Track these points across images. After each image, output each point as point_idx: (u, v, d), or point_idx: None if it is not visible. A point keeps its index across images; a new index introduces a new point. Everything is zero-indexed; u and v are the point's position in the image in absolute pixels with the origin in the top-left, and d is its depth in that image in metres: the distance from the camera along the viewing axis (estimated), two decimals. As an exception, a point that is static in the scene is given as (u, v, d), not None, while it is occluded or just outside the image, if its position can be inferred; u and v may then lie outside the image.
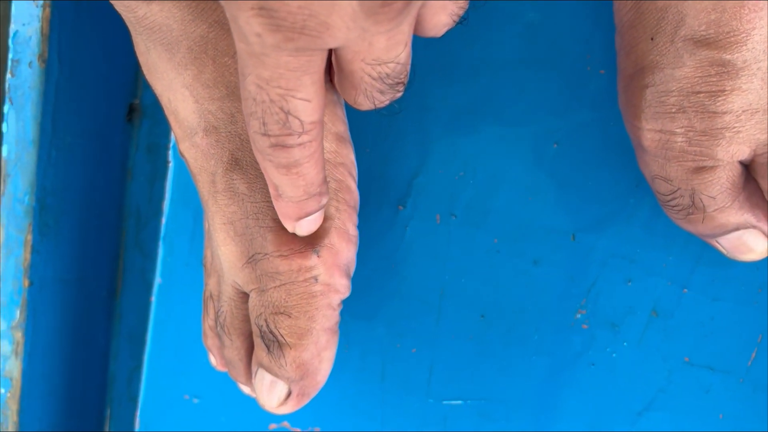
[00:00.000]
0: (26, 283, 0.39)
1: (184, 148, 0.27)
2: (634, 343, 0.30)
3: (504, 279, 0.32)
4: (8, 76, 0.37)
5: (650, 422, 0.31)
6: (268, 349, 0.27)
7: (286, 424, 0.35)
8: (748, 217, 0.26)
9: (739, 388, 0.30)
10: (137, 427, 0.37)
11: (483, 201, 0.31)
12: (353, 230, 0.28)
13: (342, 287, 0.27)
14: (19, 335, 0.40)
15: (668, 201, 0.27)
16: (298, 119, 0.21)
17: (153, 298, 0.36)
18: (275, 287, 0.26)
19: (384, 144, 0.32)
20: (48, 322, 0.41)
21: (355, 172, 0.28)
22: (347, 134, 0.28)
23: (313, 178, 0.23)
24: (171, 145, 0.34)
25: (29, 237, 0.38)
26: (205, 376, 0.36)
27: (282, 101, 0.21)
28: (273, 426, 0.35)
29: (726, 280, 0.29)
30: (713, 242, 0.28)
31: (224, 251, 0.27)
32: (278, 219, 0.26)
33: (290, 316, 0.26)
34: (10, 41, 0.36)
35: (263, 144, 0.22)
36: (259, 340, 0.27)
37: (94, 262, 0.44)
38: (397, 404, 0.34)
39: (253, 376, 0.28)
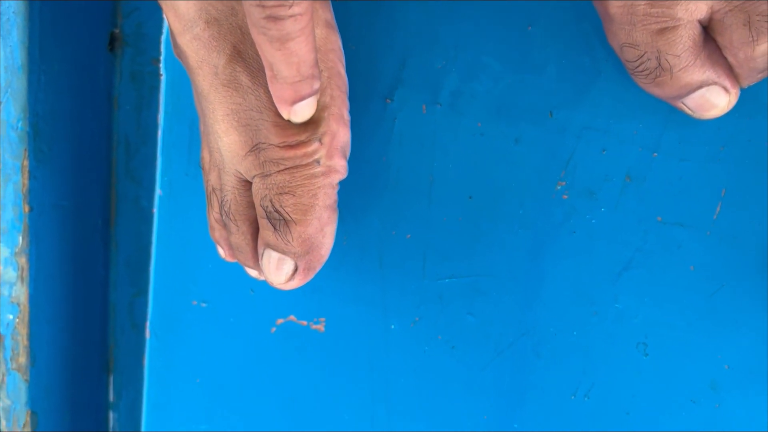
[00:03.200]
0: (26, 208, 0.40)
1: (185, 41, 0.28)
2: (611, 207, 0.33)
3: (488, 160, 0.34)
4: (-8, 3, 0.37)
5: (629, 281, 0.34)
6: (275, 228, 0.29)
7: (292, 318, 0.37)
8: (709, 74, 0.29)
9: (707, 240, 0.33)
10: (148, 335, 0.39)
11: (464, 88, 0.33)
12: (347, 114, 0.30)
13: (341, 167, 0.30)
14: (23, 261, 0.41)
15: (637, 67, 0.29)
16: None
17: (155, 210, 0.37)
18: (279, 171, 0.28)
19: (368, 41, 0.34)
20: (49, 249, 0.43)
21: (343, 58, 0.30)
22: (334, 22, 0.30)
23: (306, 56, 0.25)
24: (162, 57, 0.36)
25: (26, 162, 0.40)
26: (212, 281, 0.38)
27: None
28: (280, 321, 0.38)
29: (691, 141, 0.32)
30: (679, 104, 0.30)
31: (226, 141, 0.29)
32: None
33: (294, 195, 0.28)
34: (-9, -32, 0.37)
35: (258, 15, 0.23)
36: (264, 221, 0.29)
37: (88, 190, 0.45)
38: (396, 288, 0.36)
39: (261, 257, 0.30)
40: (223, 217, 0.31)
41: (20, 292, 0.42)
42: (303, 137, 0.28)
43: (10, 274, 0.41)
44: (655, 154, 0.32)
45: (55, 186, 0.42)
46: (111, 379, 0.50)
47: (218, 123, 0.29)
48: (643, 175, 0.33)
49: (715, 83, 0.29)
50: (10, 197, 0.40)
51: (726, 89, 0.29)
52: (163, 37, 0.36)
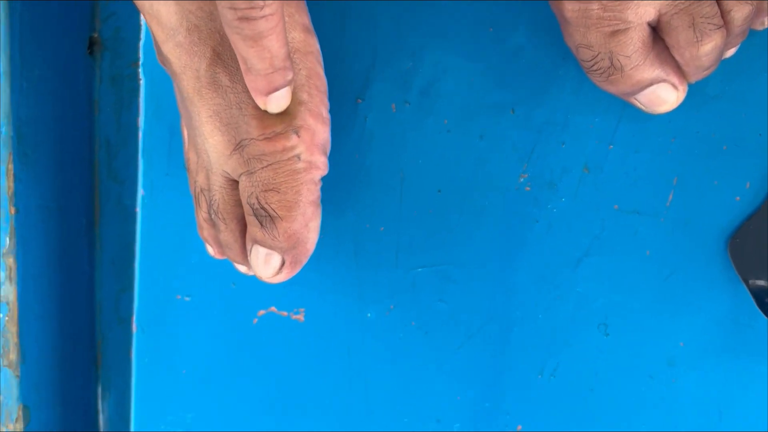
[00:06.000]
0: (12, 210, 0.41)
1: (168, 49, 0.30)
2: (571, 197, 0.35)
3: (455, 155, 0.36)
4: (-28, 12, 0.38)
5: (589, 266, 0.36)
6: (261, 224, 0.30)
7: (273, 309, 0.39)
8: (659, 72, 0.31)
9: (661, 227, 0.35)
10: (134, 330, 0.41)
11: (432, 87, 0.35)
12: (326, 113, 0.32)
13: (321, 164, 0.31)
14: (11, 261, 0.42)
15: (591, 66, 0.31)
16: None
17: (138, 209, 0.39)
18: (263, 168, 0.30)
19: (338, 43, 0.36)
20: (36, 249, 0.44)
21: (321, 60, 0.32)
22: (311, 26, 0.32)
23: (277, 51, 0.27)
24: (141, 62, 0.37)
25: (11, 166, 0.41)
26: (195, 276, 0.39)
27: None
28: (261, 312, 0.39)
29: (644, 134, 0.34)
30: (632, 100, 0.32)
31: (212, 143, 0.30)
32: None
33: (279, 192, 0.30)
34: (-30, -22, 0.38)
35: (231, 17, 0.25)
36: (252, 218, 0.31)
37: (72, 191, 0.46)
38: (371, 278, 0.38)
39: (249, 253, 0.32)
40: (212, 216, 0.32)
41: (9, 291, 0.43)
42: (279, 128, 0.30)
43: (-1, 274, 0.42)
44: (611, 146, 0.34)
45: (40, 188, 0.43)
46: (99, 372, 0.51)
47: (204, 125, 0.30)
48: (600, 166, 0.35)
49: (665, 81, 0.31)
50: (-5, 200, 0.41)
51: (675, 86, 0.31)
52: (141, 43, 0.37)
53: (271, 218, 0.30)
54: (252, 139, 0.29)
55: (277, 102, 0.29)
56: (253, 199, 0.30)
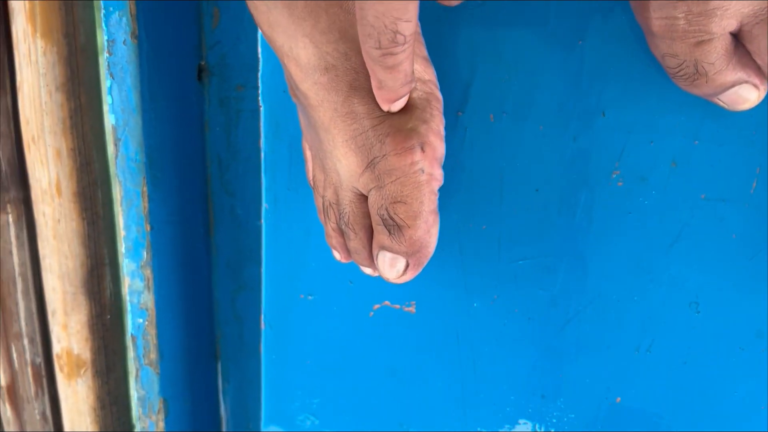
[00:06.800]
0: (148, 227, 0.47)
1: (306, 87, 0.34)
2: (661, 190, 0.38)
3: (551, 156, 0.39)
4: (106, 54, 0.43)
5: (680, 251, 0.39)
6: (389, 233, 0.35)
7: (387, 303, 0.44)
8: (740, 74, 0.34)
9: (746, 212, 0.38)
10: (262, 327, 0.45)
11: (527, 96, 0.39)
12: (442, 130, 0.36)
13: (439, 176, 0.35)
14: (148, 272, 0.47)
15: (677, 73, 0.34)
16: (403, 35, 0.28)
17: (262, 221, 0.43)
18: (392, 182, 0.34)
19: (438, 63, 0.39)
20: (167, 259, 0.49)
21: (437, 83, 0.36)
22: (428, 56, 0.36)
23: (408, 71, 0.31)
24: (260, 91, 0.41)
25: (145, 189, 0.46)
26: (316, 277, 0.44)
27: (393, 25, 0.28)
28: (376, 306, 0.44)
29: (727, 128, 0.37)
30: (715, 100, 0.35)
31: (345, 163, 0.35)
32: (392, 126, 0.33)
33: (405, 203, 0.34)
34: (103, 24, 0.43)
35: (376, 54, 0.29)
36: (380, 228, 0.35)
37: (191, 205, 0.51)
38: (475, 271, 0.42)
39: (376, 258, 0.36)
40: (342, 226, 0.37)
41: (147, 299, 0.48)
42: (408, 144, 0.34)
43: (138, 284, 0.48)
44: (696, 141, 0.38)
45: (167, 205, 0.48)
46: (219, 366, 0.57)
47: (337, 149, 0.34)
48: (687, 160, 0.38)
49: (746, 82, 0.34)
50: (133, 219, 0.46)
51: (756, 86, 0.34)
52: (260, 74, 0.41)
53: (398, 227, 0.35)
54: (385, 155, 0.34)
55: (399, 106, 0.34)
56: (383, 211, 0.34)
